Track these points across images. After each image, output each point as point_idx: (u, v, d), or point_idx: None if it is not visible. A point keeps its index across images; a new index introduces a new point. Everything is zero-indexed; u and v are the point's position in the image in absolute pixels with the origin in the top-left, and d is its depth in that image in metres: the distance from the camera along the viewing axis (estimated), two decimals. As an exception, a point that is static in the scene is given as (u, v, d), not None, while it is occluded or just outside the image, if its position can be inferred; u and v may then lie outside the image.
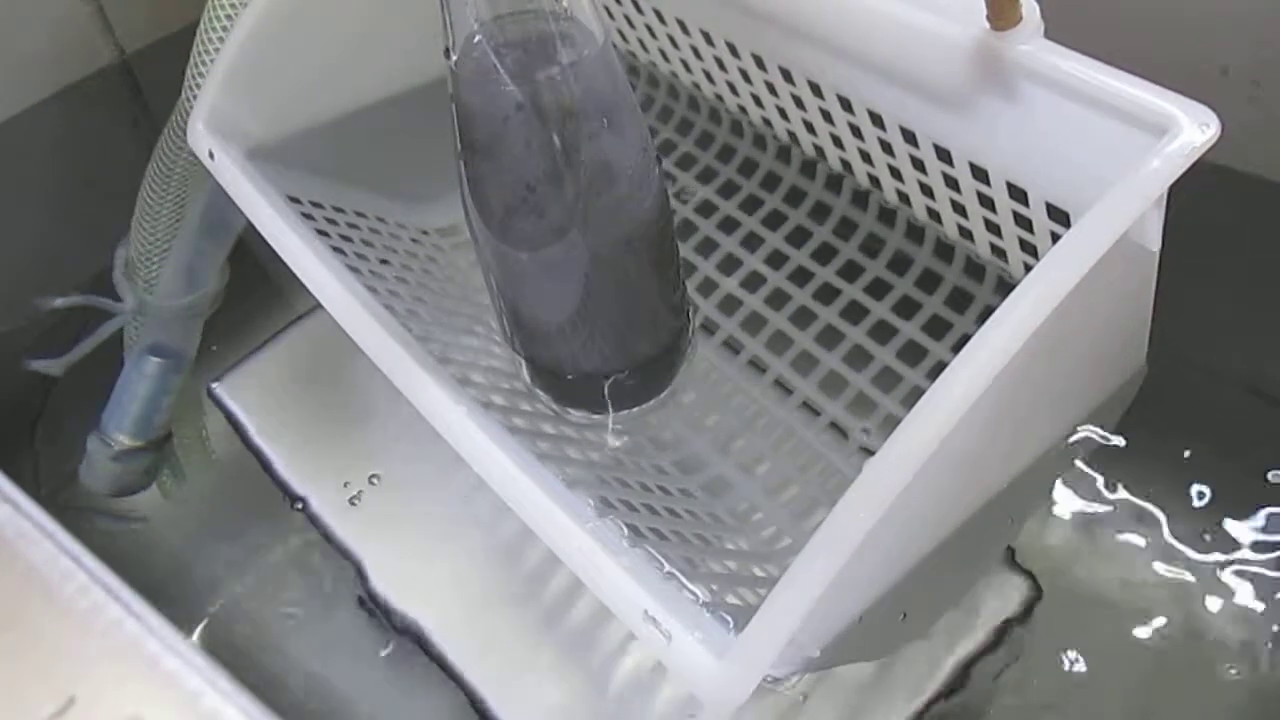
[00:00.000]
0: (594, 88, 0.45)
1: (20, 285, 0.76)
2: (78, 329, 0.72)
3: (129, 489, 0.66)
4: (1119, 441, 0.55)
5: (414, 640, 0.56)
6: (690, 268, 0.65)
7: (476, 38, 0.43)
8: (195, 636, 0.58)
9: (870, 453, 0.53)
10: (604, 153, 0.46)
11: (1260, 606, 0.52)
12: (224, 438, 0.66)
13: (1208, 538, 0.54)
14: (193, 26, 0.64)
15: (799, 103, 0.58)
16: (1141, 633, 0.53)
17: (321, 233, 0.56)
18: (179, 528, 0.65)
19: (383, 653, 0.57)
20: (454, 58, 0.44)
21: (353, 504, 0.61)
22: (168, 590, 0.60)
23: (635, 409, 0.56)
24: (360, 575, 0.58)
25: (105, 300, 0.72)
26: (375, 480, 0.62)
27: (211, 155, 0.57)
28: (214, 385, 0.67)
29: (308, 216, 0.57)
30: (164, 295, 0.71)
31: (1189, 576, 0.54)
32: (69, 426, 0.69)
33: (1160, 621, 0.53)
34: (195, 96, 0.60)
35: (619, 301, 0.51)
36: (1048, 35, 0.42)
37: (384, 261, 0.60)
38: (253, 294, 0.73)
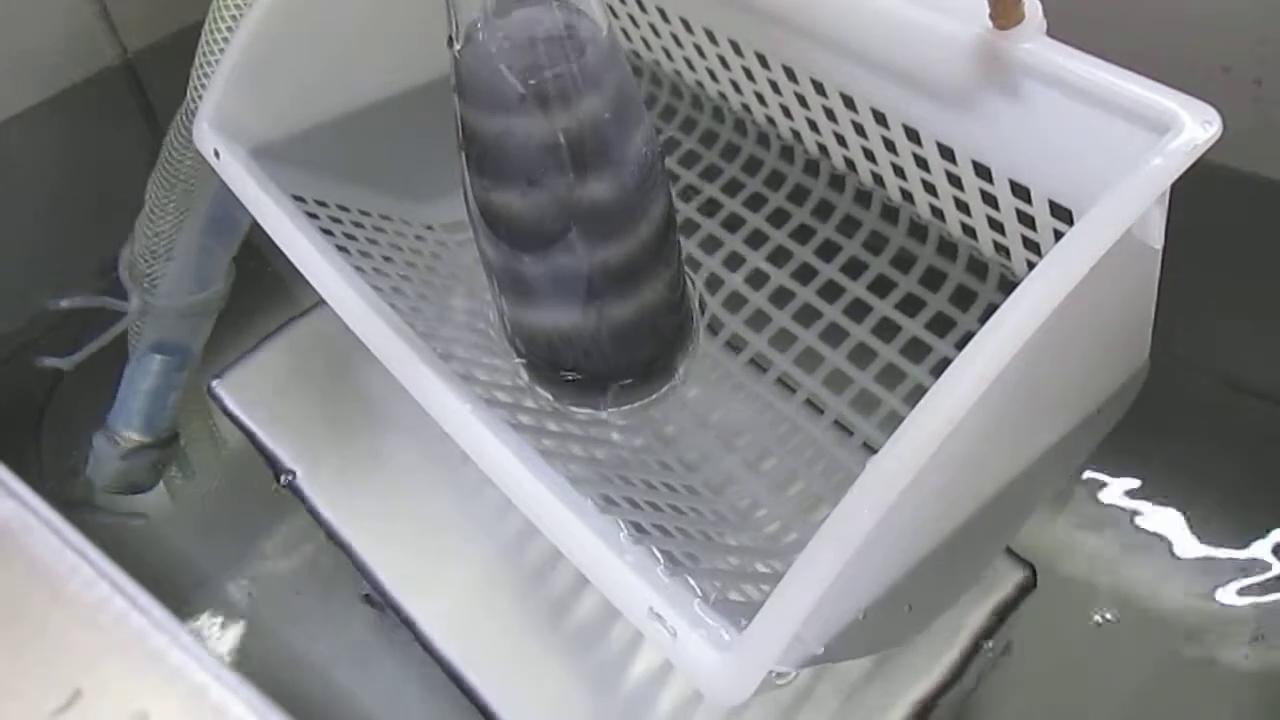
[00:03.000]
0: (598, 77, 0.45)
1: (24, 284, 0.76)
2: (82, 327, 0.72)
3: (137, 486, 0.67)
4: (1120, 439, 0.55)
5: (417, 637, 0.56)
6: (694, 264, 0.65)
7: (480, 27, 0.43)
8: (200, 631, 0.58)
9: (874, 449, 0.53)
10: (608, 142, 0.46)
11: (1259, 602, 0.52)
12: (230, 434, 0.66)
13: (1206, 534, 0.55)
14: (196, 25, 0.64)
15: (802, 101, 0.58)
16: (1136, 632, 0.53)
17: (326, 231, 0.56)
18: (183, 523, 0.65)
19: (385, 650, 0.57)
20: (457, 47, 0.44)
21: (356, 501, 0.61)
22: (172, 585, 0.61)
23: (636, 404, 0.56)
24: (363, 572, 0.59)
25: (111, 300, 0.72)
26: (379, 478, 0.62)
27: (216, 154, 0.57)
28: (215, 382, 0.67)
29: (312, 215, 0.57)
30: (170, 294, 0.71)
31: (1187, 573, 0.54)
32: (74, 422, 0.69)
33: (1158, 616, 0.53)
34: (200, 96, 0.60)
35: (620, 298, 0.51)
36: (1050, 34, 0.42)
37: (388, 259, 0.60)
38: (256, 291, 0.73)
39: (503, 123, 0.45)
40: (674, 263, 0.53)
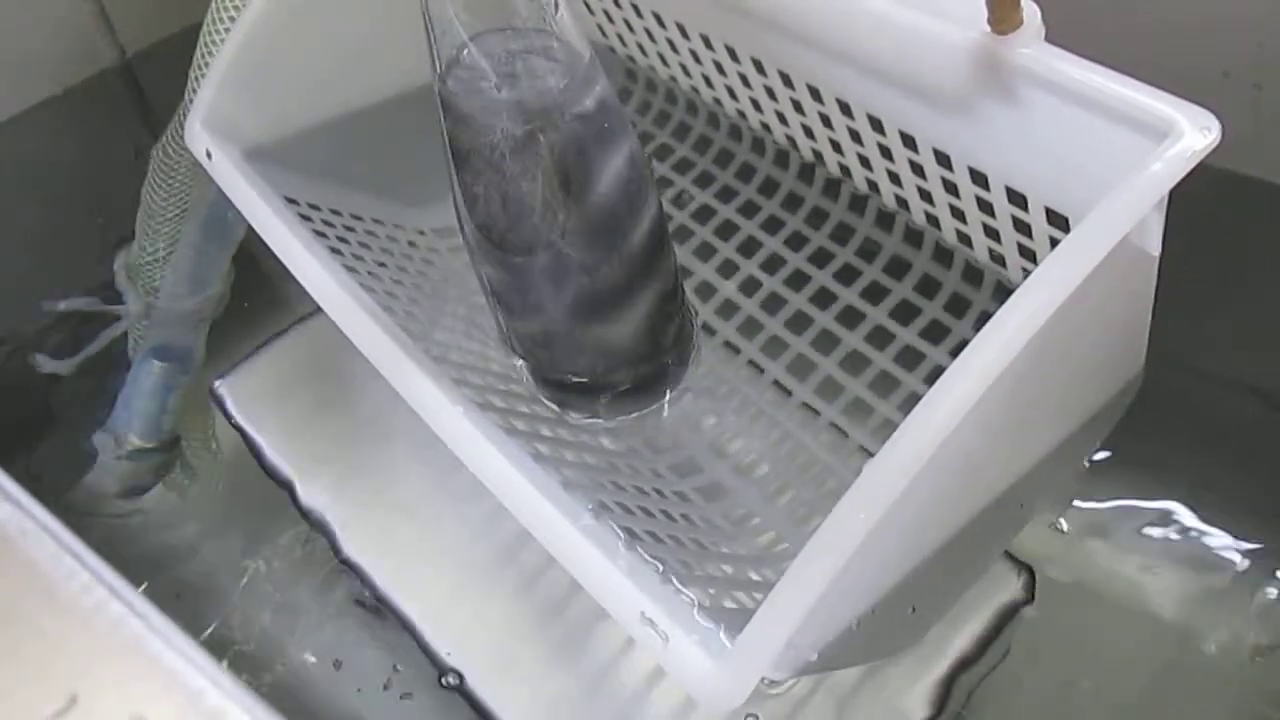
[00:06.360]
0: (582, 101, 0.45)
1: (22, 286, 0.76)
2: (81, 330, 0.72)
3: (138, 490, 0.67)
4: (1118, 444, 0.55)
5: (413, 640, 0.56)
6: (688, 271, 0.65)
7: (462, 56, 0.43)
8: (197, 635, 0.58)
9: (870, 454, 0.53)
10: (593, 167, 0.46)
11: (1258, 607, 0.53)
12: (229, 438, 0.66)
13: (1205, 539, 0.55)
14: (195, 27, 0.64)
15: (798, 107, 0.58)
16: (1137, 632, 0.53)
17: (319, 233, 0.56)
18: (182, 527, 0.65)
19: (381, 653, 0.57)
20: (441, 78, 0.44)
21: (353, 505, 0.61)
22: (170, 589, 0.60)
23: (639, 413, 0.56)
24: (360, 575, 0.58)
25: (107, 305, 0.72)
26: (376, 481, 0.62)
27: (209, 155, 0.57)
28: (215, 384, 0.67)
29: (305, 218, 0.57)
30: (168, 298, 0.71)
31: (1187, 577, 0.54)
32: (72, 426, 0.69)
33: (1157, 621, 0.53)
34: (196, 97, 0.60)
35: (614, 312, 0.51)
36: (1048, 39, 0.42)
37: (380, 264, 0.60)
38: (254, 295, 0.73)
39: (490, 147, 0.45)
40: (668, 275, 0.53)
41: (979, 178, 0.49)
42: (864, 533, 0.36)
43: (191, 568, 0.62)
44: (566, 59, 0.44)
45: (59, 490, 0.66)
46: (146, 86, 0.89)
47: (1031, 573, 0.54)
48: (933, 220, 0.56)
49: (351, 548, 0.59)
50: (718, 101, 0.66)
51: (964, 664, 0.52)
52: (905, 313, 0.59)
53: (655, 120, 0.71)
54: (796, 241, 0.64)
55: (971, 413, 0.36)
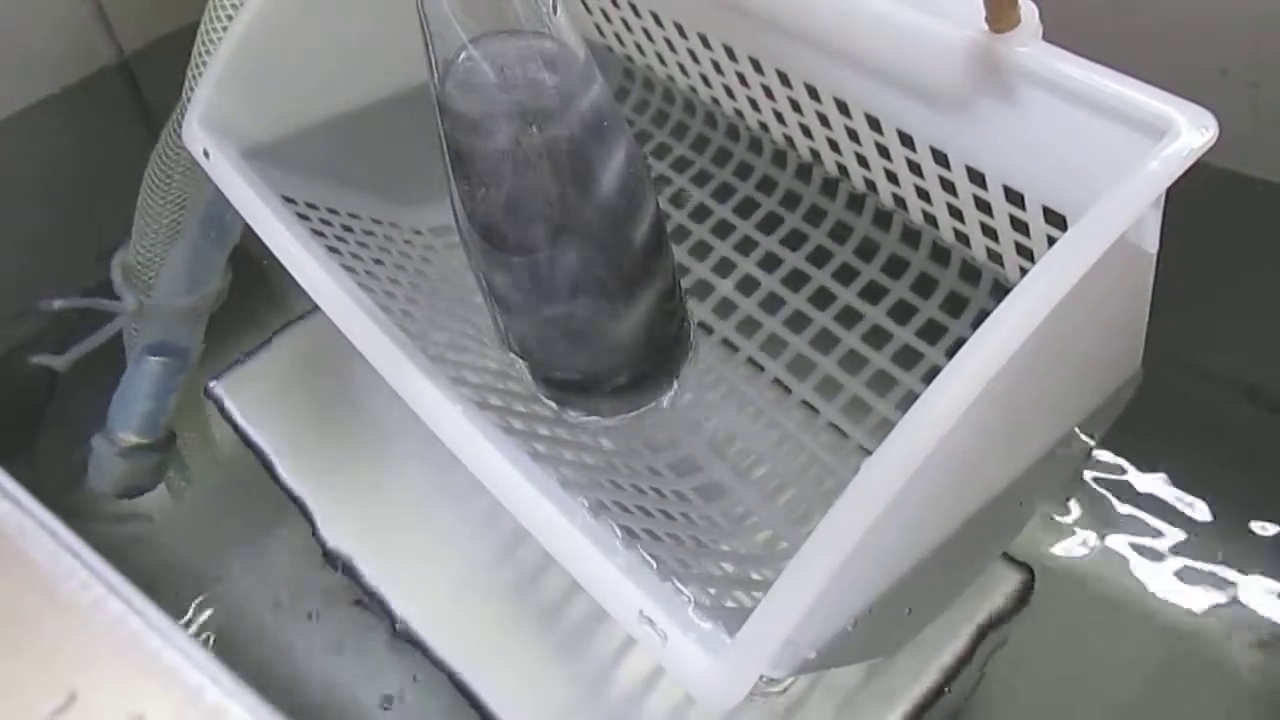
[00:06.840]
0: (578, 102, 0.45)
1: (20, 284, 0.76)
2: (79, 328, 0.72)
3: (135, 488, 0.67)
4: (1117, 442, 0.55)
5: (411, 639, 0.56)
6: (685, 270, 0.65)
7: (460, 58, 0.43)
8: (196, 633, 0.58)
9: (868, 453, 0.53)
10: (591, 168, 0.46)
11: (1256, 607, 0.53)
12: (227, 437, 0.66)
13: (1204, 539, 0.55)
14: (193, 26, 0.63)
15: (796, 106, 0.57)
16: (1136, 632, 0.53)
17: (317, 232, 0.56)
18: (180, 525, 0.65)
19: (380, 651, 0.57)
20: (437, 78, 0.44)
21: (351, 504, 0.61)
22: (168, 587, 0.60)
23: (636, 412, 0.56)
24: (358, 574, 0.58)
25: (104, 301, 0.72)
26: (373, 481, 0.62)
27: (206, 154, 0.57)
28: (212, 384, 0.67)
29: (303, 216, 0.57)
30: (165, 295, 0.71)
31: (1185, 577, 0.54)
32: (71, 425, 0.69)
33: (1156, 621, 0.53)
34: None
35: (612, 311, 0.50)
36: (1046, 37, 0.42)
37: (378, 262, 0.60)
38: (252, 294, 0.73)
39: (487, 149, 0.45)
40: (666, 275, 0.52)
41: (976, 176, 0.49)
42: (862, 531, 0.36)
43: (189, 565, 0.62)
44: (563, 60, 0.44)
45: (58, 489, 0.66)
46: (144, 85, 0.89)
47: (1031, 572, 0.54)
48: (930, 219, 0.56)
49: (349, 545, 0.59)
50: (715, 100, 0.66)
51: (962, 663, 0.52)
52: (903, 312, 0.59)
53: (653, 119, 0.71)
54: (794, 240, 0.64)
55: (968, 411, 0.36)
